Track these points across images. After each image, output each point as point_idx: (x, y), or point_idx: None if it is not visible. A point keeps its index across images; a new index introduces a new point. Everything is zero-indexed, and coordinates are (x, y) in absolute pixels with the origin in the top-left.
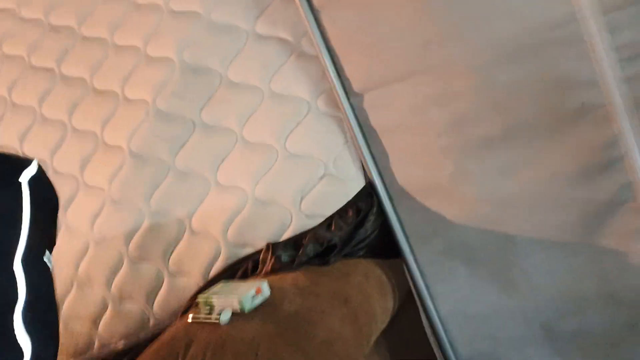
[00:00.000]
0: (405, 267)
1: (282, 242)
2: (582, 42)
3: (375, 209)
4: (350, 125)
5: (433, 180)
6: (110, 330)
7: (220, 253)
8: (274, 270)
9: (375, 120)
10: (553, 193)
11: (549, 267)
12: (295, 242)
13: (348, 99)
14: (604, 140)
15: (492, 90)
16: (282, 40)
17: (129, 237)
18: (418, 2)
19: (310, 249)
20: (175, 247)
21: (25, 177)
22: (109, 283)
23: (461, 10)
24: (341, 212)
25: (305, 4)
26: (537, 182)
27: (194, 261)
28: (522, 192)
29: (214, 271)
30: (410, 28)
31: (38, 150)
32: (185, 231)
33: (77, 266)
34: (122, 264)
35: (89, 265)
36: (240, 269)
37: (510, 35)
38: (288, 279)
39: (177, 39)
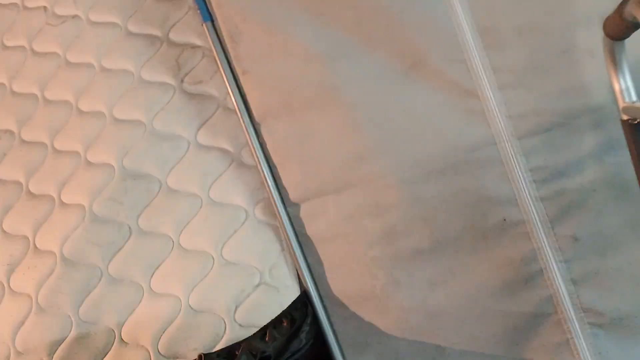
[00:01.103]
0: None
1: (215, 352)
2: (500, 164)
3: (309, 319)
4: (287, 233)
5: (366, 289)
6: None
7: None
8: None
9: (311, 229)
10: (479, 305)
11: None
12: (229, 353)
13: (285, 208)
14: (524, 255)
15: (420, 204)
16: (222, 150)
17: (53, 347)
18: (349, 120)
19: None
20: (102, 359)
21: None
22: None
23: (389, 129)
24: (275, 322)
25: (246, 117)
26: (464, 294)
27: None
28: (450, 304)
29: None
30: (343, 143)
31: None
32: (114, 341)
33: None
34: None
35: None
36: None
37: (434, 153)
38: None
39: (118, 145)
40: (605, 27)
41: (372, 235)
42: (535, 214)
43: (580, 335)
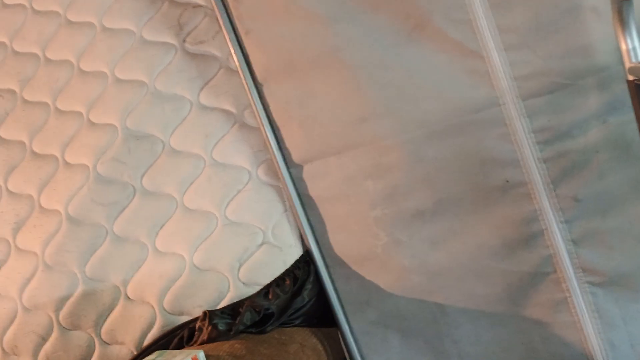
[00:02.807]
0: (340, 336)
1: (219, 310)
2: (504, 125)
3: (312, 278)
4: (290, 194)
5: (368, 249)
6: None
7: (155, 321)
8: (210, 339)
9: (314, 190)
10: (479, 265)
11: (478, 338)
12: (233, 310)
13: (288, 169)
14: (525, 216)
15: (422, 165)
16: (225, 111)
17: (60, 303)
18: (351, 81)
19: (247, 317)
20: (108, 315)
21: None
22: (36, 353)
23: (391, 90)
24: (279, 281)
25: (249, 78)
26: (465, 254)
27: (128, 329)
28: (451, 263)
29: (148, 340)
30: (345, 105)
31: None
32: (120, 298)
33: (3, 333)
34: (52, 332)
35: (16, 333)
36: (176, 337)
37: (437, 114)
38: (224, 347)
39: (121, 106)
40: None
41: (374, 196)
42: (538, 175)
43: (579, 294)
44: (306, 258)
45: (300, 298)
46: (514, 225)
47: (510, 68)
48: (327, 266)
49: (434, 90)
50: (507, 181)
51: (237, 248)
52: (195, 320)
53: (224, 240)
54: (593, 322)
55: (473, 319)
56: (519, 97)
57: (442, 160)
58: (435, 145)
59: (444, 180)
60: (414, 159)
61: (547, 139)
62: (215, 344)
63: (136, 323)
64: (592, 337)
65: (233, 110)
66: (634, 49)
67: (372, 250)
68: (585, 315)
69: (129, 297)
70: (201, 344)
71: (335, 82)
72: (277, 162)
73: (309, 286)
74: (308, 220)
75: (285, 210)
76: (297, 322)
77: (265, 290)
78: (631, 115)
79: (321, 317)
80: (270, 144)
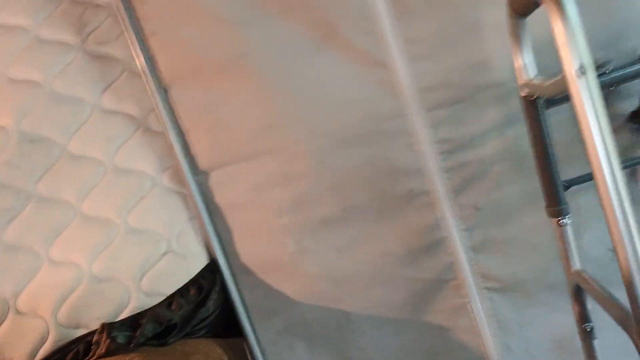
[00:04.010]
0: (246, 347)
1: (118, 321)
2: (409, 135)
3: (218, 287)
4: (195, 201)
5: (275, 257)
6: None
7: (48, 335)
8: (108, 353)
9: (220, 197)
10: (384, 272)
11: (383, 344)
12: (133, 321)
13: (193, 175)
14: (428, 224)
15: (330, 174)
16: (128, 115)
17: None
18: (260, 88)
19: (148, 328)
20: None
21: None
22: None
23: (300, 98)
24: (183, 291)
25: (154, 81)
26: (371, 261)
27: (18, 345)
28: (357, 271)
29: (40, 356)
30: (253, 111)
31: None
32: (9, 312)
33: None
34: None
35: None
36: (71, 352)
37: (344, 123)
38: None
39: (15, 107)
40: (509, 3)
41: (282, 204)
42: (440, 185)
43: (477, 299)
44: (212, 267)
45: (205, 308)
46: (417, 233)
47: (415, 79)
48: (233, 275)
49: (342, 100)
50: (411, 190)
51: (139, 257)
52: (92, 333)
53: (125, 248)
54: (490, 326)
55: (378, 326)
56: (423, 108)
57: (350, 168)
58: (343, 154)
59: (351, 188)
60: (321, 167)
61: (449, 150)
62: (113, 358)
63: (27, 338)
64: (490, 342)
65: (137, 114)
66: (527, 65)
67: (279, 258)
68: (483, 320)
69: (19, 311)
70: (98, 358)
71: (243, 88)
72: (182, 168)
73: (214, 296)
74: (214, 228)
75: (191, 218)
76: (202, 332)
77: (169, 300)
78: (525, 129)
79: (227, 327)
80: (175, 150)
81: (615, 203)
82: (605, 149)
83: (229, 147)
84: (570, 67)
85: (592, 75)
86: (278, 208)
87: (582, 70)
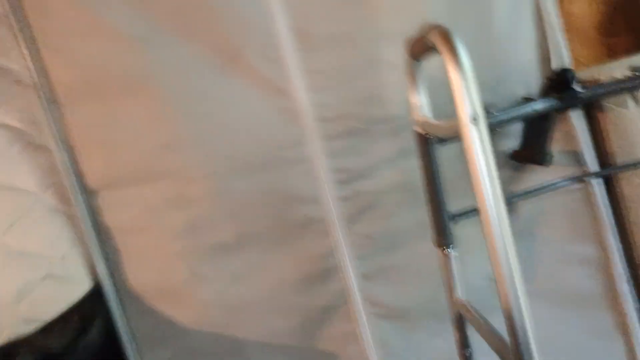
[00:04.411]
0: None
1: None
2: (307, 163)
3: (102, 313)
4: (82, 222)
5: (167, 283)
6: None
7: None
8: None
9: (111, 219)
10: (279, 299)
11: None
12: (8, 351)
13: (81, 194)
14: (322, 251)
15: (228, 199)
16: (11, 128)
17: None
18: (160, 108)
19: (25, 359)
20: None
21: None
22: None
23: (201, 121)
24: (65, 317)
25: (45, 94)
26: (266, 288)
27: None
28: (251, 298)
29: None
30: (151, 132)
31: None
32: None
33: None
34: None
35: None
36: None
37: (245, 149)
38: None
39: None
40: (408, 47)
41: (177, 229)
42: (335, 213)
43: (366, 326)
44: (97, 292)
45: (88, 336)
46: (312, 260)
47: (315, 109)
48: (120, 301)
49: (244, 125)
50: (308, 217)
51: (18, 280)
52: None
53: (2, 271)
54: (378, 351)
55: (270, 354)
56: (321, 138)
57: (248, 194)
58: (242, 180)
59: (249, 214)
60: (220, 192)
61: (345, 179)
62: None
63: None
64: None
65: (21, 127)
66: (422, 105)
67: (171, 284)
68: (371, 346)
69: None
70: None
71: (143, 108)
72: (69, 186)
73: (98, 322)
74: (102, 251)
75: (76, 240)
76: None
77: (49, 327)
78: (417, 162)
79: (112, 355)
80: (62, 166)
81: (498, 236)
82: (492, 187)
83: (124, 168)
84: (464, 115)
85: (483, 123)
86: (173, 233)
87: (474, 118)
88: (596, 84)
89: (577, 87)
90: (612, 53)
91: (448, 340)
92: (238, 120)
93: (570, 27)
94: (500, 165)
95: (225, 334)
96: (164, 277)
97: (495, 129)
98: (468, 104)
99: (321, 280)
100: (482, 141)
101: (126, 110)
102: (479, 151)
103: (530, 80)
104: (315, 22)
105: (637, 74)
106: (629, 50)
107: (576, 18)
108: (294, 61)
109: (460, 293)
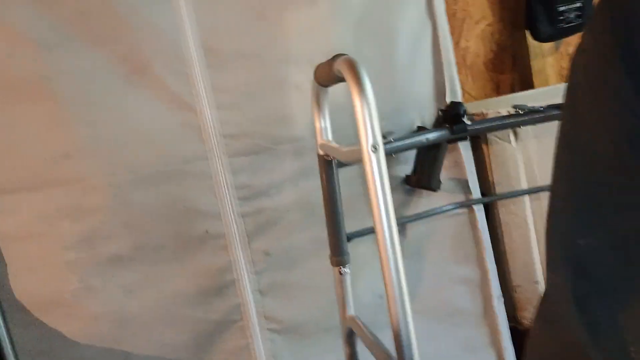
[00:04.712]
0: None
1: None
2: (210, 178)
3: None
4: None
5: (56, 295)
6: None
7: None
8: None
9: None
10: (172, 313)
11: None
12: None
13: None
14: (220, 266)
15: (126, 210)
16: None
17: None
18: (59, 114)
19: None
20: None
21: None
22: None
23: (101, 130)
24: None
25: None
26: (159, 301)
27: None
28: (143, 311)
29: None
30: (49, 138)
31: None
32: None
33: None
34: None
35: None
36: None
37: (147, 160)
38: None
39: None
40: (315, 73)
41: (70, 238)
42: (235, 229)
43: (260, 340)
44: None
45: None
46: (209, 274)
47: (220, 126)
48: (2, 312)
49: (147, 137)
50: (207, 232)
51: None
52: None
53: None
54: None
55: None
56: (225, 154)
57: (147, 206)
58: (142, 191)
59: (146, 226)
60: (118, 202)
61: (247, 196)
62: None
63: None
64: None
65: None
66: (325, 128)
67: (60, 295)
68: None
69: None
70: None
71: (40, 113)
72: None
73: None
74: None
75: None
76: None
77: None
78: (318, 182)
79: None
80: None
81: (390, 255)
82: (385, 211)
83: (15, 173)
84: (365, 143)
85: (382, 151)
86: (64, 242)
87: (374, 147)
88: (483, 118)
89: (467, 120)
90: (499, 88)
91: (338, 355)
92: (141, 131)
93: (463, 63)
94: (394, 188)
95: (115, 347)
96: (53, 288)
97: (391, 154)
98: (370, 134)
99: (217, 295)
100: (379, 168)
101: (23, 114)
102: (377, 177)
103: (426, 111)
104: (225, 39)
105: (519, 111)
106: (513, 86)
107: (470, 54)
108: (202, 77)
109: (352, 310)
